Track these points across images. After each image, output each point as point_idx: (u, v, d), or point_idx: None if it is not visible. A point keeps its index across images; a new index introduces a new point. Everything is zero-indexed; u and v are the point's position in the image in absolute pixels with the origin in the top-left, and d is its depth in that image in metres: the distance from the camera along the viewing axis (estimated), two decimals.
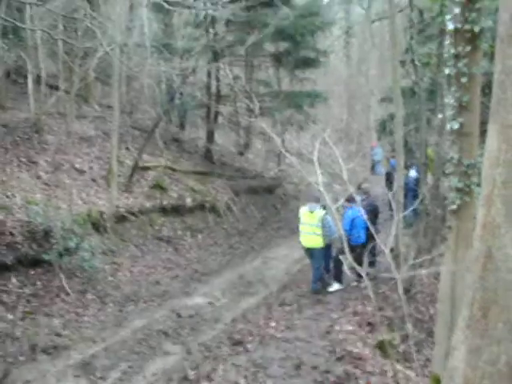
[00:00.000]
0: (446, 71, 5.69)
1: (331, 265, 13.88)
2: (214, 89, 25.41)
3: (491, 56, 12.72)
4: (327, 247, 13.43)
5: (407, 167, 17.95)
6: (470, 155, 5.57)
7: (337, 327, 10.24)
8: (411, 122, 15.95)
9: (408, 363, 9.75)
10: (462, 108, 5.49)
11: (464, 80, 5.43)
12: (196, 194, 21.28)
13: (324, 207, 13.19)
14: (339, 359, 8.67)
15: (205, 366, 9.56)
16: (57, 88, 20.20)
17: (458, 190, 5.60)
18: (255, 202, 25.12)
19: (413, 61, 14.48)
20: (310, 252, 13.41)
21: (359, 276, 9.50)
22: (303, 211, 13.35)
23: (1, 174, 15.47)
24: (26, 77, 20.07)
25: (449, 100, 5.67)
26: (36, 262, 13.07)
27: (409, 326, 7.22)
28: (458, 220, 5.70)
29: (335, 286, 13.32)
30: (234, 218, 22.33)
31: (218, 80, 24.84)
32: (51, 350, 10.45)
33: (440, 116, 12.26)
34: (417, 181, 17.17)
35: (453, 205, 5.67)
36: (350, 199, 12.04)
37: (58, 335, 11.24)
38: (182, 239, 19.09)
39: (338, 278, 13.29)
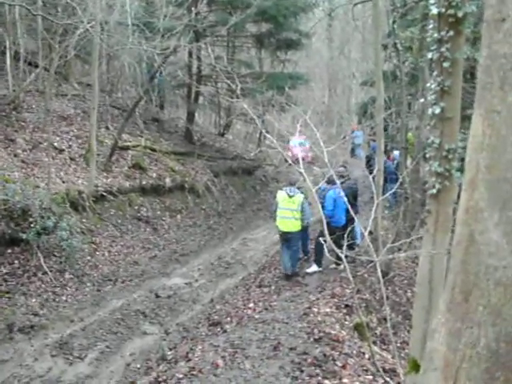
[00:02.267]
0: (429, 56, 5.67)
1: (309, 247, 13.90)
2: (195, 69, 25.26)
3: (473, 41, 12.77)
4: (304, 230, 13.42)
5: (387, 151, 17.99)
6: (451, 140, 5.58)
7: (314, 309, 10.26)
8: (392, 105, 15.95)
9: (385, 345, 9.85)
10: (443, 93, 5.48)
11: (446, 65, 5.42)
12: (175, 174, 21.22)
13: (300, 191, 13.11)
14: (317, 341, 8.70)
15: (183, 346, 9.59)
16: (36, 65, 19.97)
17: (438, 174, 5.60)
18: (235, 183, 25.11)
19: (395, 44, 14.47)
20: (286, 236, 13.26)
21: (338, 258, 9.53)
22: (282, 196, 13.20)
23: None
24: (4, 53, 19.77)
25: (431, 84, 5.66)
26: (13, 241, 12.97)
27: (386, 309, 7.26)
28: (437, 204, 5.71)
29: (313, 268, 13.33)
30: (214, 199, 22.30)
31: (199, 60, 24.68)
32: (28, 330, 10.44)
33: (421, 100, 12.27)
34: (397, 164, 17.25)
35: (433, 189, 5.67)
36: (331, 181, 11.96)
37: (36, 314, 11.21)
38: (161, 219, 19.06)
39: (318, 260, 13.31)
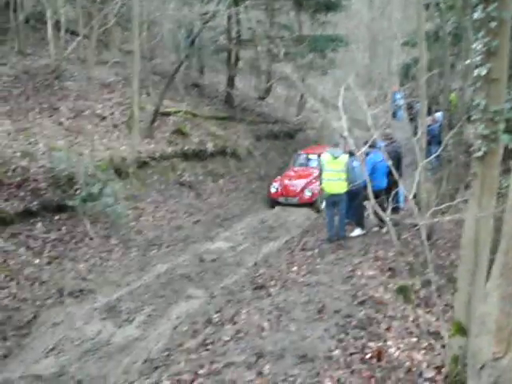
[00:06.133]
0: (475, 16, 5.56)
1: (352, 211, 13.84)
2: (234, 33, 25.12)
3: None
4: (355, 193, 13.22)
5: (430, 113, 17.70)
6: (497, 101, 5.49)
7: (358, 272, 10.30)
8: (435, 66, 15.67)
9: (428, 308, 9.84)
10: (490, 54, 5.38)
11: (493, 25, 5.31)
12: (217, 139, 21.29)
13: (351, 154, 12.89)
14: (361, 303, 8.75)
15: (228, 309, 9.70)
16: (76, 34, 20.10)
17: (484, 136, 5.53)
18: (276, 147, 25.11)
19: (437, 4, 14.18)
20: (333, 199, 13.15)
21: (381, 221, 9.52)
22: (326, 158, 13.10)
23: (23, 120, 15.55)
24: (45, 23, 19.97)
25: (476, 45, 5.56)
26: (60, 208, 13.24)
27: (431, 272, 7.25)
28: (483, 167, 5.65)
29: (357, 231, 13.30)
30: (255, 163, 22.33)
31: (238, 24, 24.55)
32: (77, 294, 10.68)
33: (467, 62, 12.02)
34: (440, 126, 17.00)
35: (478, 152, 5.61)
36: (372, 145, 11.81)
37: (84, 279, 11.46)
38: (204, 184, 19.21)
39: (361, 223, 13.27)
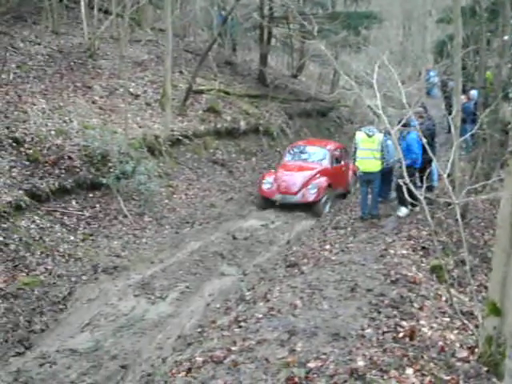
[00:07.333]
0: None
1: (390, 191, 13.70)
2: (266, 10, 24.93)
3: None
4: (388, 172, 13.09)
5: (465, 91, 17.43)
6: None
7: (391, 251, 10.21)
8: (470, 43, 15.39)
9: (461, 288, 9.76)
10: None
11: None
12: (250, 117, 21.25)
13: (387, 133, 12.68)
14: (393, 282, 8.68)
15: (261, 287, 9.72)
16: (109, 12, 20.16)
17: None
18: (309, 125, 24.99)
19: None
20: (367, 177, 13.00)
21: (415, 199, 9.43)
22: (361, 136, 12.94)
23: (57, 99, 15.66)
24: (78, 2, 20.05)
25: None
26: (94, 186, 13.39)
27: (465, 251, 7.19)
28: None
29: (403, 211, 13.03)
30: (288, 141, 22.23)
31: (271, 1, 24.37)
32: (112, 270, 10.82)
33: (506, 38, 11.79)
34: (475, 104, 16.74)
35: None
36: (406, 124, 11.59)
37: (118, 256, 11.61)
38: (236, 162, 19.24)
39: (403, 202, 13.09)
